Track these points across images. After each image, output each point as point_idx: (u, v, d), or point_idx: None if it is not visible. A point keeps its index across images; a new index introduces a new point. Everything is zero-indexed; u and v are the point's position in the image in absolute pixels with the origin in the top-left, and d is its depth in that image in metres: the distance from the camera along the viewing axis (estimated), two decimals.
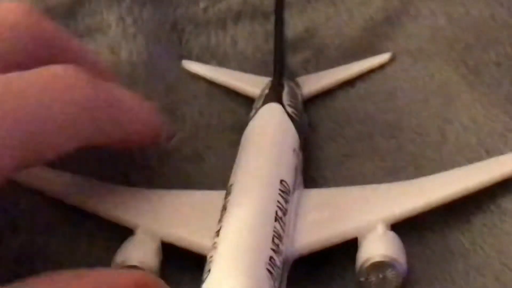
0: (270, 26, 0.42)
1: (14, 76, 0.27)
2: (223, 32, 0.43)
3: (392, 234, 0.30)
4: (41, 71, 0.27)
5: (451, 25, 0.42)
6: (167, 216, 0.32)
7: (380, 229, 0.30)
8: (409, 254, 0.31)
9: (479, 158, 0.36)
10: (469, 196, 0.33)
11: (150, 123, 0.32)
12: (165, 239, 0.31)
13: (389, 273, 0.29)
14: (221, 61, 0.42)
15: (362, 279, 0.29)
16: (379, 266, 0.29)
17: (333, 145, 0.37)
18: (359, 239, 0.30)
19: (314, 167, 0.36)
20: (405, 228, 0.32)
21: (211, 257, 0.27)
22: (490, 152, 0.36)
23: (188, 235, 0.31)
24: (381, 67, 0.40)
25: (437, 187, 0.32)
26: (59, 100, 0.27)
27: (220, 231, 0.28)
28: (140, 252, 0.30)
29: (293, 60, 0.42)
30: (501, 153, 0.36)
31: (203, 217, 0.31)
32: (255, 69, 0.41)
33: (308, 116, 0.38)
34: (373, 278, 0.29)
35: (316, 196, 0.33)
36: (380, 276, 0.29)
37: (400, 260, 0.29)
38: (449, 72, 0.40)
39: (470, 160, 0.36)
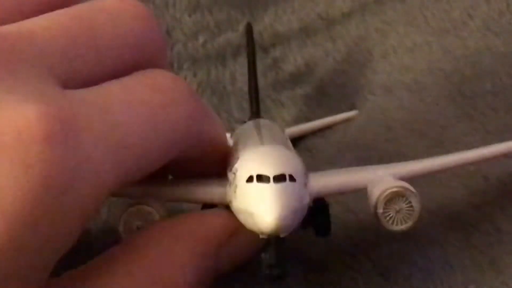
0: (269, 60, 0.43)
1: (116, 86, 0.26)
2: (223, 67, 0.43)
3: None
4: (143, 79, 0.26)
5: (447, 57, 0.42)
6: None
7: (390, 177, 0.30)
8: (410, 265, 0.32)
9: (477, 185, 0.37)
10: (467, 219, 0.34)
11: (223, 141, 0.31)
12: None
13: (405, 205, 0.29)
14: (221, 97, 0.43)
15: (379, 210, 0.29)
16: (395, 198, 0.29)
17: (332, 168, 0.38)
18: (369, 188, 0.30)
19: None
20: (406, 240, 0.33)
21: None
22: (488, 179, 0.37)
23: None
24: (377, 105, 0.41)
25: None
26: (165, 113, 0.26)
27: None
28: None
29: (295, 94, 0.42)
30: (499, 180, 0.37)
31: None
32: None
33: (307, 142, 0.39)
34: (390, 211, 0.29)
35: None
36: (397, 208, 0.29)
37: (415, 192, 0.29)
38: (445, 103, 0.40)
39: (468, 187, 0.37)
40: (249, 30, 0.38)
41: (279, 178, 0.25)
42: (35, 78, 0.24)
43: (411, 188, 0.29)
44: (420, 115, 0.40)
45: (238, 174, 0.26)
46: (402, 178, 0.30)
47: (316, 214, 0.30)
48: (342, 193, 0.31)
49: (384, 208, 0.28)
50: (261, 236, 0.25)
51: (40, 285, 0.24)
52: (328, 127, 0.41)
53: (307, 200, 0.27)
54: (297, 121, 0.42)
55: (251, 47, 0.37)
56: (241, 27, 0.44)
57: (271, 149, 0.27)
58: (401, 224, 0.29)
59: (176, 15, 0.44)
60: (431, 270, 0.33)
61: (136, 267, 0.26)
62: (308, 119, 0.42)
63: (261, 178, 0.25)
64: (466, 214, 0.36)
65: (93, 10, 0.27)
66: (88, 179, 0.24)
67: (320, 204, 0.31)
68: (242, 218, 0.26)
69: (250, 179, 0.25)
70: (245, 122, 0.36)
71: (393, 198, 0.28)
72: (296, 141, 0.39)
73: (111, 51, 0.26)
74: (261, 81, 0.42)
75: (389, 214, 0.29)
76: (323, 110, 0.41)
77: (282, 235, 0.25)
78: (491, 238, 0.35)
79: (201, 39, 0.44)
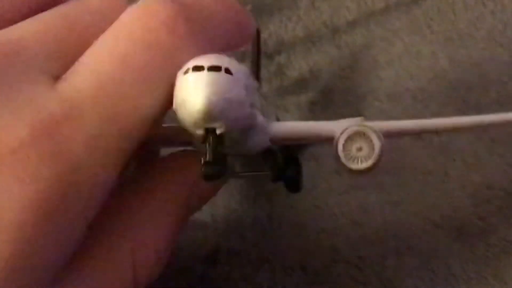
0: (274, 67, 0.43)
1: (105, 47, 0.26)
2: None
3: None
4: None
5: (453, 66, 0.42)
6: None
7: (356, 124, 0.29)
8: (414, 278, 0.31)
9: (481, 195, 0.36)
10: (472, 230, 0.34)
11: (239, 20, 0.30)
12: None
13: (366, 144, 0.28)
14: None
15: (340, 148, 0.28)
16: (356, 136, 0.28)
17: (338, 177, 0.38)
18: (335, 138, 0.29)
19: (317, 196, 0.37)
20: (410, 253, 0.33)
21: None
22: (493, 188, 0.37)
23: None
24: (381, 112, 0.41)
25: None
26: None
27: None
28: None
29: (299, 100, 0.42)
30: (504, 190, 0.37)
31: None
32: None
33: (312, 151, 0.39)
34: (351, 151, 0.28)
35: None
36: (358, 146, 0.28)
37: (377, 130, 0.28)
38: (450, 111, 0.40)
39: (473, 197, 0.36)
40: (257, 35, 0.38)
41: (214, 68, 0.25)
42: (27, 85, 0.25)
43: (373, 127, 0.28)
44: None
45: (179, 71, 0.26)
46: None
47: (286, 168, 0.30)
48: (308, 139, 0.31)
49: (344, 146, 0.28)
50: (197, 132, 0.25)
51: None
52: None
53: (246, 100, 0.26)
54: None
55: (256, 51, 0.37)
56: None
57: (216, 54, 0.27)
58: (361, 163, 0.28)
59: None
60: (436, 283, 0.33)
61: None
62: None
63: (197, 68, 0.25)
64: (471, 225, 0.36)
65: (78, 9, 0.28)
66: (86, 178, 0.24)
67: (290, 158, 0.31)
68: (180, 113, 0.26)
69: (187, 71, 0.25)
70: None
71: (353, 136, 0.28)
72: (301, 149, 0.39)
73: None
74: (265, 88, 0.42)
75: (350, 153, 0.28)
76: (327, 116, 0.41)
77: (218, 131, 0.25)
78: (496, 249, 0.35)
79: None
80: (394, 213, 0.35)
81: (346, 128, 0.28)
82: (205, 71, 0.25)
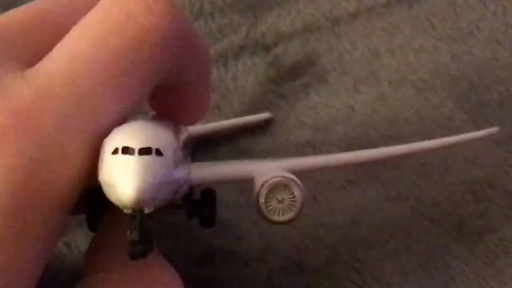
0: (270, 57, 0.42)
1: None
2: (225, 68, 0.43)
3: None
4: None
5: (454, 62, 0.42)
6: None
7: (276, 167, 0.29)
8: (413, 282, 0.31)
9: (482, 193, 0.36)
10: (472, 228, 0.34)
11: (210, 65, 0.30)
12: None
13: (287, 196, 0.27)
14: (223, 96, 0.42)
15: (261, 200, 0.27)
16: (278, 188, 0.27)
17: (335, 170, 0.37)
18: (254, 179, 0.29)
19: (316, 189, 0.36)
20: (409, 255, 0.33)
21: None
22: (494, 187, 0.36)
23: None
24: (382, 96, 0.40)
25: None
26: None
27: None
28: None
29: (293, 84, 0.41)
30: (504, 187, 0.36)
31: None
32: (255, 102, 0.41)
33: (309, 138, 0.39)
34: (271, 202, 0.27)
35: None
36: (279, 198, 0.27)
37: (299, 183, 0.28)
38: (452, 106, 0.40)
39: (473, 193, 0.36)
40: None
41: (145, 151, 0.24)
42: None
43: (296, 179, 0.28)
44: (426, 115, 0.39)
45: (106, 146, 0.25)
46: (292, 172, 0.29)
47: (201, 205, 0.30)
48: (227, 182, 0.30)
49: (266, 198, 0.27)
50: (124, 211, 0.24)
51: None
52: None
53: (175, 178, 0.25)
54: None
55: None
56: (244, 30, 0.43)
57: (141, 123, 0.26)
58: (283, 215, 0.27)
59: None
60: (434, 286, 0.33)
61: None
62: None
63: (126, 150, 0.24)
64: (471, 223, 0.35)
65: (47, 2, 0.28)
66: (60, 162, 0.24)
67: (206, 194, 0.30)
68: (107, 191, 0.25)
69: (115, 151, 0.24)
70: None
71: (275, 188, 0.27)
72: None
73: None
74: (260, 78, 0.42)
75: (271, 205, 0.27)
76: (322, 99, 0.41)
77: (146, 211, 0.24)
78: (495, 249, 0.34)
79: None
80: (392, 210, 0.35)
81: (268, 180, 0.27)
82: (136, 156, 0.24)
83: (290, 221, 0.27)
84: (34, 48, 0.26)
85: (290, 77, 0.41)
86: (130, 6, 0.25)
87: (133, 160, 0.24)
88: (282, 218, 0.27)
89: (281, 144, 0.39)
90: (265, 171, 0.28)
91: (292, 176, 0.28)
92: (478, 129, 0.37)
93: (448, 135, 0.38)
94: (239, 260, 0.35)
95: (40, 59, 0.26)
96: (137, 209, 0.24)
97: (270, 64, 0.42)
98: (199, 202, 0.30)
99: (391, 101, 0.40)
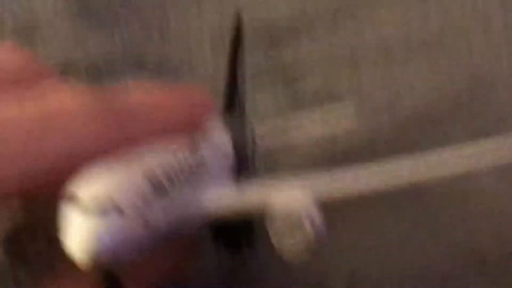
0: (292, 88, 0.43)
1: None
2: None
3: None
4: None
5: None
6: None
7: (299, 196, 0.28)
8: None
9: (499, 224, 0.36)
10: (493, 260, 0.34)
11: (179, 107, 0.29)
12: None
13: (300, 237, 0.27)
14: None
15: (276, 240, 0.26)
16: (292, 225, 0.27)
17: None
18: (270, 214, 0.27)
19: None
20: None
21: None
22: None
23: None
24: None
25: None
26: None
27: None
28: None
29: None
30: None
31: None
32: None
33: None
34: (288, 240, 0.27)
35: None
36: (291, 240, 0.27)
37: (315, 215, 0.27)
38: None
39: (493, 225, 0.36)
40: (238, 20, 0.36)
41: (102, 211, 0.23)
42: None
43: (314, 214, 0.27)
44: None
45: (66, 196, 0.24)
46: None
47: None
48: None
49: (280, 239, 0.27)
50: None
51: None
52: None
53: (143, 233, 0.24)
54: None
55: (236, 37, 0.35)
56: (264, 59, 0.44)
57: (117, 166, 0.24)
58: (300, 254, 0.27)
59: (200, 55, 0.45)
60: None
61: None
62: None
63: (83, 206, 0.23)
64: (492, 259, 0.35)
65: None
66: None
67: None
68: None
69: (72, 199, 0.23)
70: None
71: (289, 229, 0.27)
72: None
73: None
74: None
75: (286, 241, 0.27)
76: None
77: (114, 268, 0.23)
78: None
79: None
80: (411, 241, 0.35)
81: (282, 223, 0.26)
82: (92, 216, 0.22)
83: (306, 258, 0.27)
84: None
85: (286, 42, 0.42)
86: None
87: (86, 223, 0.22)
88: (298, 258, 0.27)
89: None
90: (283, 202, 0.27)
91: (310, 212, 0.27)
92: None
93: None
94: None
95: None
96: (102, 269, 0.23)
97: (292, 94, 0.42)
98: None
99: (409, 135, 0.40)
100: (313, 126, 0.38)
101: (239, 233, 0.30)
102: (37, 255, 0.26)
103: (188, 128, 0.29)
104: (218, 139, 0.31)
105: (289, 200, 0.27)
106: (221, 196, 0.29)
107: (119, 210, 0.23)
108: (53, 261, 0.25)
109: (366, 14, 0.45)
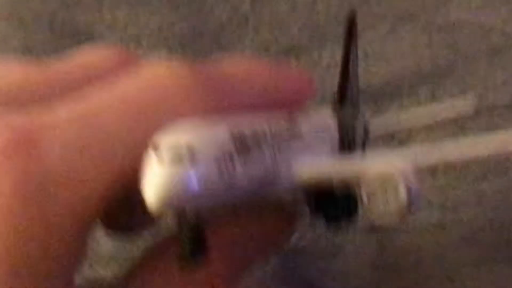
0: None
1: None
2: None
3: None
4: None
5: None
6: None
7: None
8: None
9: None
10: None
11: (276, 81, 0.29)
12: None
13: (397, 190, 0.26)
14: None
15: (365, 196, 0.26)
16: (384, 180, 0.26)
17: (468, 249, 0.37)
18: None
19: (449, 268, 0.36)
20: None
21: None
22: None
23: None
24: None
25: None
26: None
27: None
28: None
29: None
30: None
31: None
32: None
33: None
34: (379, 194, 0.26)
35: None
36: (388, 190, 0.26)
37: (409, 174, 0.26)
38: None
39: None
40: (353, 13, 0.36)
41: (178, 158, 0.23)
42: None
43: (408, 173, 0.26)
44: None
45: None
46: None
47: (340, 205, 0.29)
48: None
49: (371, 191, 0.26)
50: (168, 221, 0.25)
51: None
52: None
53: (218, 185, 0.24)
54: None
55: (350, 30, 0.35)
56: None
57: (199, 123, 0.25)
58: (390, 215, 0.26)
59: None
60: None
61: None
62: None
63: (157, 152, 0.23)
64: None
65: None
66: (68, 184, 0.23)
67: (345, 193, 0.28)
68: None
69: (155, 147, 0.23)
70: None
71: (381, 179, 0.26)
72: None
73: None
74: None
75: (377, 196, 0.26)
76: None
77: (192, 220, 0.24)
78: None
79: None
80: None
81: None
82: (168, 163, 0.23)
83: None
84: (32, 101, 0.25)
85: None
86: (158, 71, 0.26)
87: (161, 170, 0.23)
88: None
89: None
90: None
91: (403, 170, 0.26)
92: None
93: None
94: None
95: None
96: (177, 215, 0.24)
97: None
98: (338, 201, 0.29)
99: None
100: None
101: (339, 209, 0.30)
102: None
103: (286, 105, 0.29)
104: (322, 121, 0.32)
105: (386, 165, 0.26)
106: (314, 162, 0.28)
107: (195, 159, 0.23)
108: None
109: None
